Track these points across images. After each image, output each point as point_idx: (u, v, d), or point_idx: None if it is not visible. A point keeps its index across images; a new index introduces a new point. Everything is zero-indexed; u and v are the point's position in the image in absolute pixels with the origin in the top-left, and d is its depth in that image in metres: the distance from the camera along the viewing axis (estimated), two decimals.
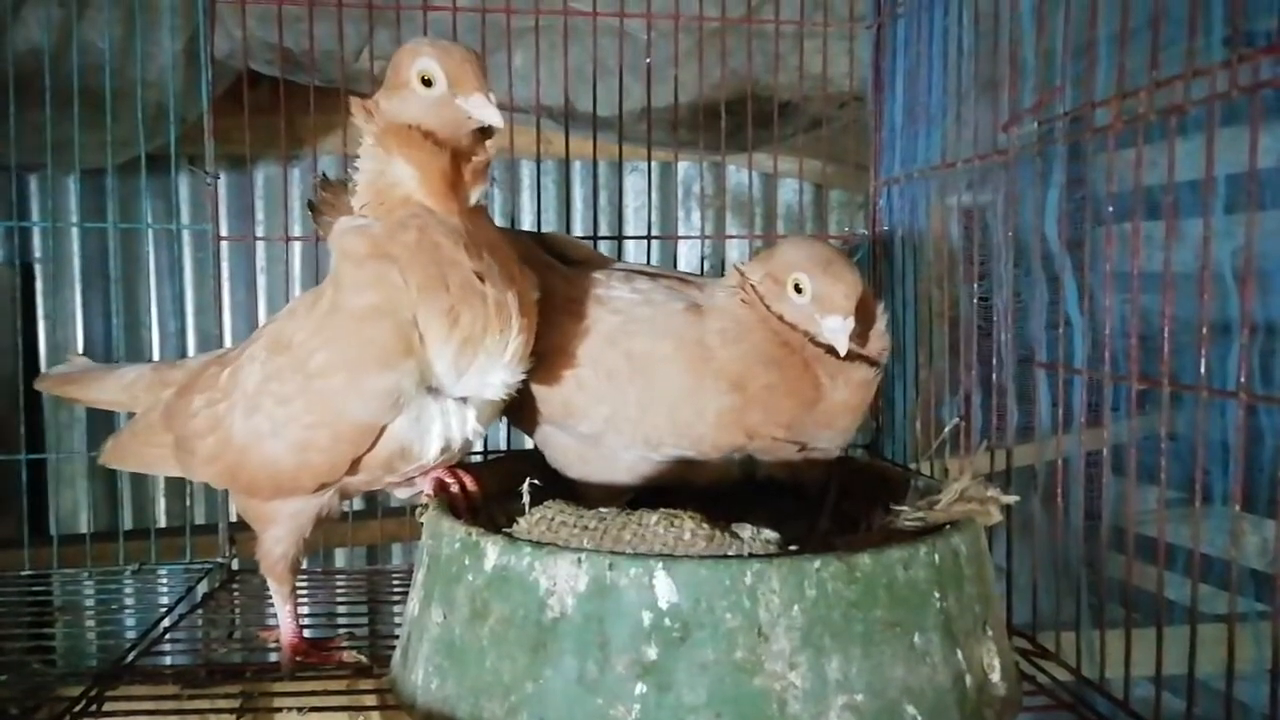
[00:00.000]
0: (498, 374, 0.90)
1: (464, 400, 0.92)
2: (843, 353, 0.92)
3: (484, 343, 0.87)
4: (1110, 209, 1.02)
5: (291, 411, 0.90)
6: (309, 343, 0.90)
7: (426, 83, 0.87)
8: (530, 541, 0.78)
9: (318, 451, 0.91)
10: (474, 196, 0.90)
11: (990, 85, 1.20)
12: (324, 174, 1.09)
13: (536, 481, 0.88)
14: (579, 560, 0.73)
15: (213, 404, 0.98)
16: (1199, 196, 0.89)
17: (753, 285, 0.97)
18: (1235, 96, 0.81)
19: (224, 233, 1.49)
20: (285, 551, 1.02)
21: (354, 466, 0.92)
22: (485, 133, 0.90)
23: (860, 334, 0.95)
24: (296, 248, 2.18)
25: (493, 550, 0.77)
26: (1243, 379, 0.84)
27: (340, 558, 2.38)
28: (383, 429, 0.89)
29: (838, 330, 0.92)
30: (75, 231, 2.37)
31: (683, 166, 2.47)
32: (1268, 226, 1.33)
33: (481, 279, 0.87)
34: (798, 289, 0.94)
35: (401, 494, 1.05)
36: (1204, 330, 0.86)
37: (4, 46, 1.67)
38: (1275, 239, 1.32)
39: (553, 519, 0.83)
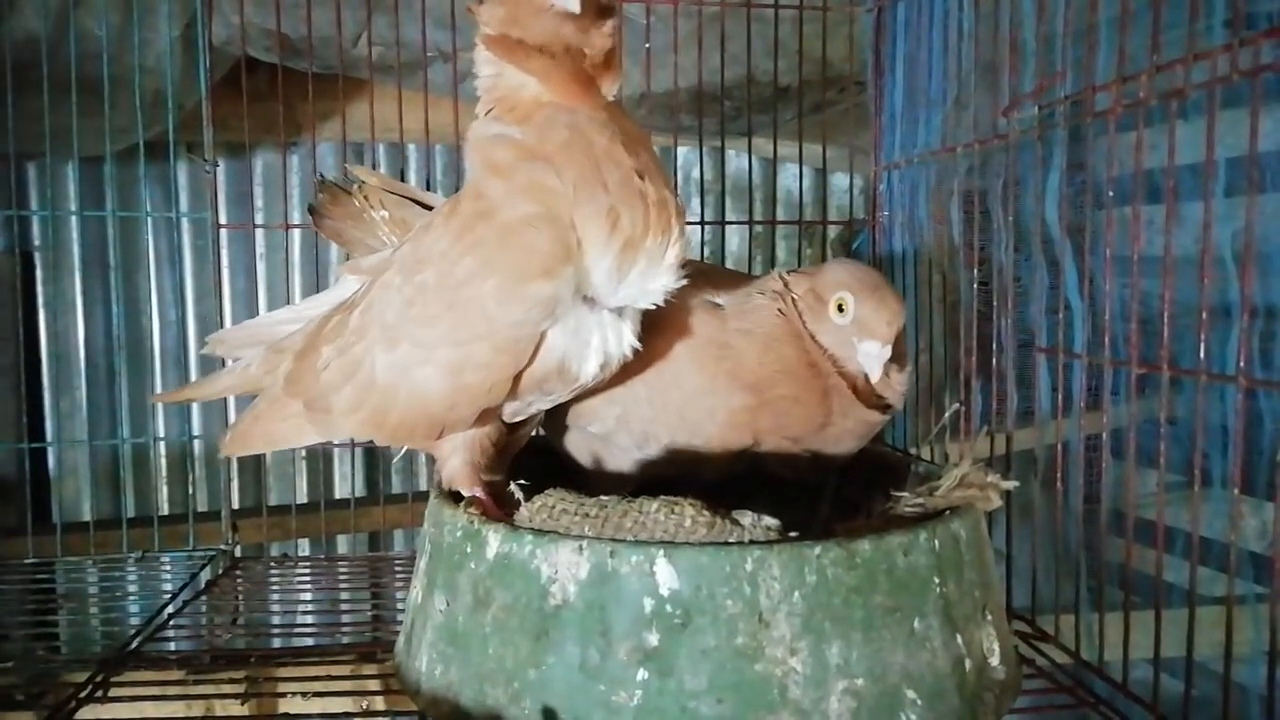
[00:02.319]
0: (659, 279, 0.82)
1: (619, 312, 0.83)
2: (875, 378, 0.91)
3: (644, 246, 0.79)
4: (1110, 193, 1.02)
5: (441, 330, 0.81)
6: (452, 252, 0.81)
7: None
8: (532, 530, 0.78)
9: (474, 370, 0.81)
10: (609, 89, 0.82)
11: (990, 69, 1.19)
12: (322, 175, 1.07)
13: (524, 482, 0.87)
14: (580, 548, 0.73)
15: (346, 349, 0.89)
16: (1199, 180, 0.89)
17: (795, 299, 0.95)
18: (1236, 80, 0.81)
19: (223, 220, 1.49)
20: (462, 463, 0.90)
21: (514, 387, 0.83)
22: (603, 13, 0.79)
23: (893, 368, 0.93)
24: (296, 235, 2.16)
25: (494, 538, 0.78)
26: (1242, 363, 0.84)
27: (343, 544, 2.39)
28: (541, 338, 0.80)
29: (874, 355, 0.90)
30: (74, 219, 2.37)
31: (682, 152, 2.47)
32: (1268, 209, 1.33)
33: (641, 176, 0.79)
34: (840, 309, 0.92)
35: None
36: (1204, 314, 0.86)
37: (1, 34, 1.67)
38: (1275, 222, 1.32)
39: (554, 507, 0.83)
